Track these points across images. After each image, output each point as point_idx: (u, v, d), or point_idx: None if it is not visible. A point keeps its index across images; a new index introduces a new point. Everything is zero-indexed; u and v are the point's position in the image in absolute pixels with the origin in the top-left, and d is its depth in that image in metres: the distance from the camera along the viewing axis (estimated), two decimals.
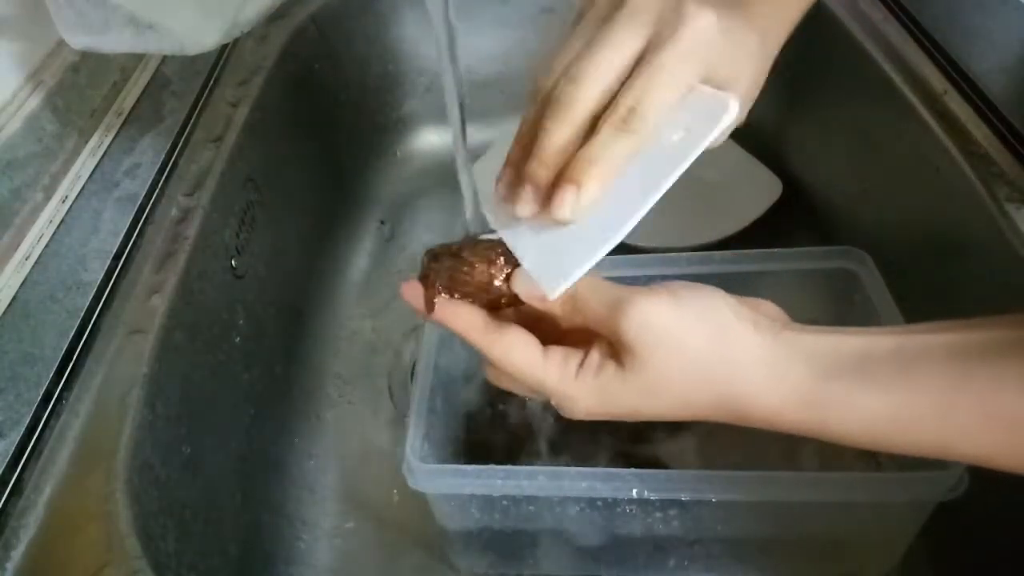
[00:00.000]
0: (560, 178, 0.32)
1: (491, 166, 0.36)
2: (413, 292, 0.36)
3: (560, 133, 0.33)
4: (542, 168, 0.33)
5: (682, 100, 0.32)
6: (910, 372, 0.31)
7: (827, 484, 0.42)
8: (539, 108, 0.34)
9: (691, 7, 0.32)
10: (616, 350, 0.33)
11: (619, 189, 0.32)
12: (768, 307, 0.35)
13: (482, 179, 0.37)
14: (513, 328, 0.35)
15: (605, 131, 0.32)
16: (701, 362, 0.32)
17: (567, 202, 0.32)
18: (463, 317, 0.35)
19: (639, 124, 0.32)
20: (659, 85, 0.32)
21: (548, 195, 0.33)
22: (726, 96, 0.32)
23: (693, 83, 0.32)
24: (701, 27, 0.32)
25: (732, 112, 0.31)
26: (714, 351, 0.32)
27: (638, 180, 0.32)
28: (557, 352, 0.34)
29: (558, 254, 0.33)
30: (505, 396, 0.58)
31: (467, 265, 0.35)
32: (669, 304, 0.33)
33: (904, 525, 0.46)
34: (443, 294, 0.35)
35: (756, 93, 0.37)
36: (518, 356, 0.34)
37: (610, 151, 0.32)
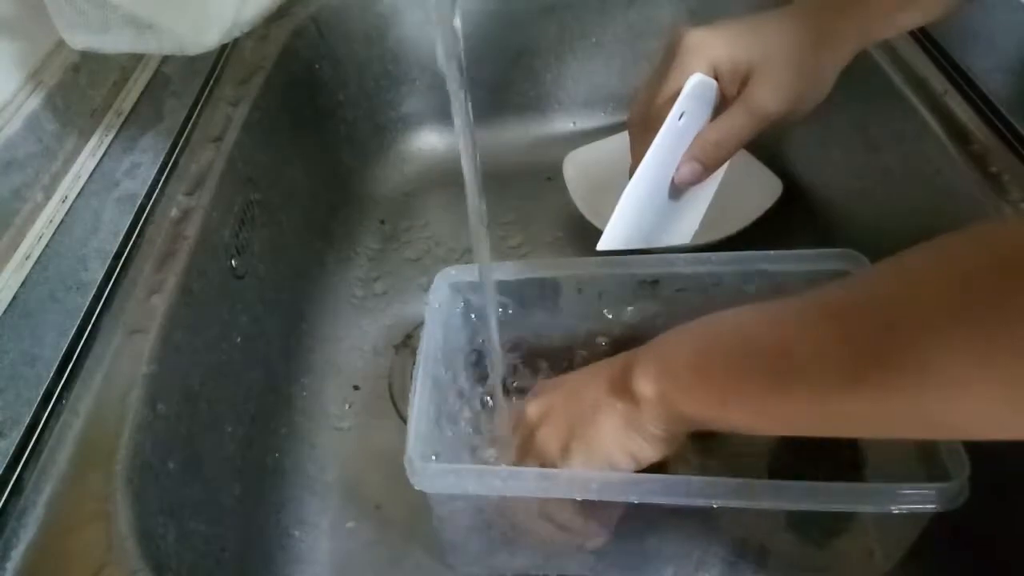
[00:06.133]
0: None
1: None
2: None
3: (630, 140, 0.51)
4: None
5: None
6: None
7: (827, 494, 0.42)
8: None
9: (685, 34, 0.46)
10: None
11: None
12: None
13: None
14: None
15: (631, 135, 0.50)
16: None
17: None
18: None
19: (649, 125, 0.46)
20: (662, 98, 0.46)
21: None
22: (691, 78, 0.45)
23: (692, 77, 0.45)
24: (690, 41, 0.46)
25: (693, 84, 0.45)
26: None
27: None
28: None
29: None
30: (507, 395, 0.58)
31: None
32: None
33: (902, 533, 0.46)
34: None
35: (797, 78, 0.46)
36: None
37: (634, 146, 0.49)
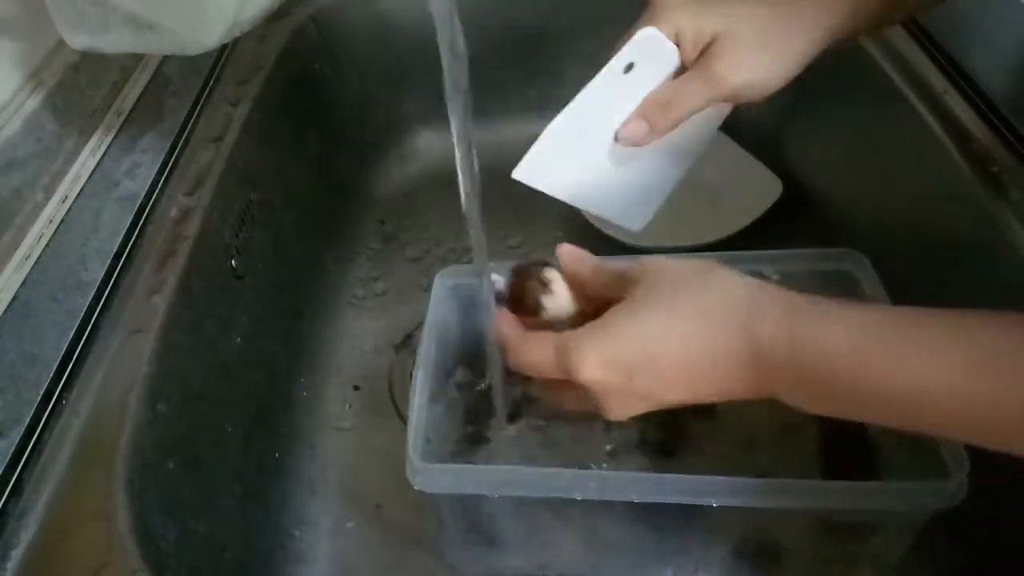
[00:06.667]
0: None
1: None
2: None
3: None
4: None
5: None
6: (895, 311, 0.33)
7: (827, 492, 0.42)
8: None
9: None
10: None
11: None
12: None
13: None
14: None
15: None
16: (687, 282, 0.37)
17: None
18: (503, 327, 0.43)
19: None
20: (624, 38, 0.45)
21: None
22: (644, 28, 0.44)
23: (642, 30, 0.44)
24: (658, 3, 0.45)
25: (641, 36, 0.44)
26: (700, 277, 0.38)
27: None
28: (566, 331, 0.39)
29: None
30: (508, 395, 0.58)
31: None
32: (671, 259, 0.39)
33: (902, 531, 0.46)
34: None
35: (768, 54, 0.44)
36: (535, 344, 0.40)
37: None
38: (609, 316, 0.37)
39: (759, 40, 0.44)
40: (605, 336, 0.37)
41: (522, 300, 0.44)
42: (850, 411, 0.34)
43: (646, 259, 0.40)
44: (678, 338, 0.36)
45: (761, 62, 0.44)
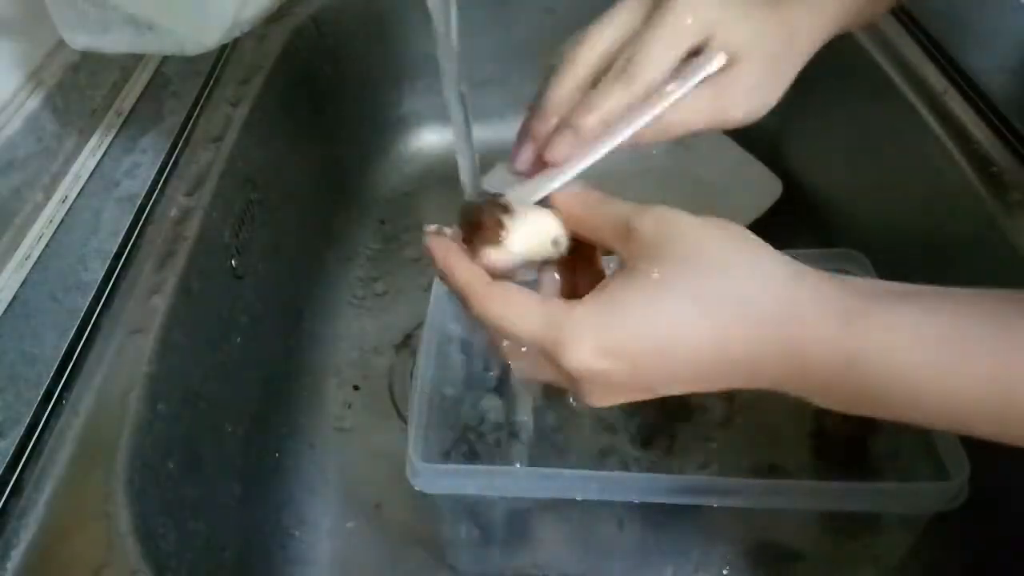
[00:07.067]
0: (559, 126, 0.35)
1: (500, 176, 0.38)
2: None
3: (558, 89, 0.36)
4: (540, 122, 0.36)
5: (683, 62, 0.36)
6: (959, 299, 0.28)
7: (827, 493, 0.42)
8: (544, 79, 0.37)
9: None
10: (627, 262, 0.30)
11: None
12: None
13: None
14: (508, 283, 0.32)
15: (603, 82, 0.35)
16: (718, 258, 0.29)
17: (562, 143, 0.34)
18: (462, 273, 0.33)
19: (633, 73, 0.34)
20: (652, 40, 0.35)
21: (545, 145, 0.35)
22: (714, 53, 0.35)
23: (687, 42, 0.35)
24: None
25: (717, 63, 0.35)
26: (734, 252, 0.30)
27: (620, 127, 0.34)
28: (558, 299, 0.31)
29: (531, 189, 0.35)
30: (508, 395, 0.58)
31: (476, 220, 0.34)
32: (690, 215, 0.31)
33: (903, 533, 0.46)
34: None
35: (774, 81, 0.38)
36: (514, 299, 0.31)
37: (605, 98, 0.35)
38: (615, 291, 0.29)
39: (767, 67, 0.38)
40: (611, 317, 0.29)
41: (479, 224, 0.33)
42: (884, 416, 0.30)
43: (659, 213, 0.30)
44: (702, 330, 0.29)
45: (764, 92, 0.38)
